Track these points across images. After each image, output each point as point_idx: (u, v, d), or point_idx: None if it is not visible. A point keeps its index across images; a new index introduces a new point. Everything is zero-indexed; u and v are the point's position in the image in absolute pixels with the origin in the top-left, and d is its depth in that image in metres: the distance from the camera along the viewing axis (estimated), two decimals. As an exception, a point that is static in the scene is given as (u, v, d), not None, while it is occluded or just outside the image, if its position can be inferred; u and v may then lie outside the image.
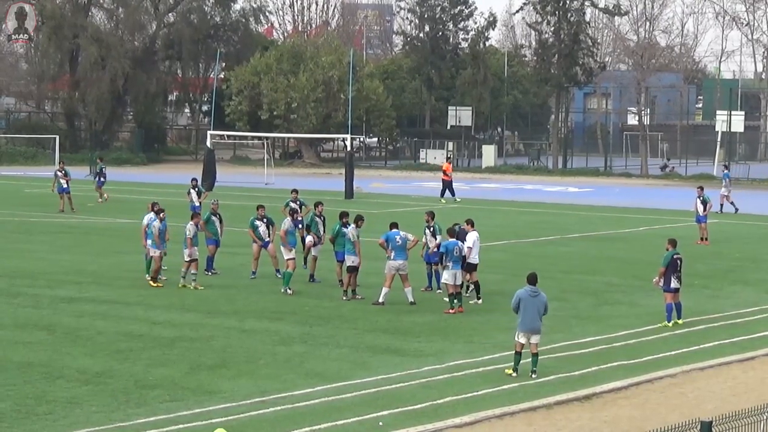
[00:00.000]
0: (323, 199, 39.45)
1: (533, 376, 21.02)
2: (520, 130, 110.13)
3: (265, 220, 32.36)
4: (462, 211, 53.89)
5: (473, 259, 28.30)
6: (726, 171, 57.81)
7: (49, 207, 51.06)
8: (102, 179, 55.03)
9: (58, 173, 50.90)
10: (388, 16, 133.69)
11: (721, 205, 53.79)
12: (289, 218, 30.53)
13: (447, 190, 59.37)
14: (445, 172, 60.02)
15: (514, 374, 20.99)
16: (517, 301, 21.21)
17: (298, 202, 37.46)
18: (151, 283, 29.82)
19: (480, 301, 28.29)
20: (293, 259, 29.80)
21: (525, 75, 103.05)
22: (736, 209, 53.55)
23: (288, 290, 29.22)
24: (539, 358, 21.33)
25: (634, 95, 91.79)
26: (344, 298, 28.66)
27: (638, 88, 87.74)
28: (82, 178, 71.52)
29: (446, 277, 27.29)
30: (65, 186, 50.40)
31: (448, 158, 64.36)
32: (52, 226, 43.77)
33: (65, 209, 49.59)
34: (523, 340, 21.12)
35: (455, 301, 27.24)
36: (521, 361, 21.11)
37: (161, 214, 30.50)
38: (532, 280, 21.49)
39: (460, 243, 27.64)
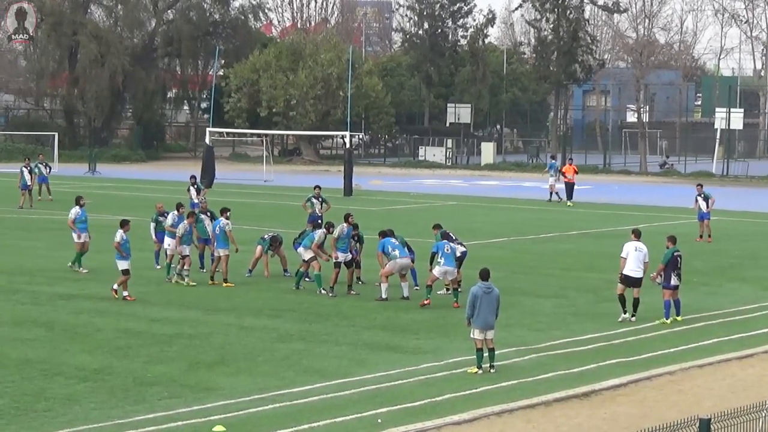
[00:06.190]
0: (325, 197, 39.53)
1: (492, 371, 21.03)
2: (519, 128, 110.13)
3: (320, 198, 36.88)
4: (465, 209, 53.93)
5: (631, 272, 26.06)
6: (553, 161, 61.12)
7: (47, 204, 51.10)
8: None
9: (24, 169, 51.09)
10: (387, 13, 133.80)
11: (556, 193, 57.54)
12: (344, 224, 29.49)
13: (568, 192, 57.08)
14: (564, 174, 57.65)
15: (479, 372, 20.95)
16: (474, 298, 21.14)
17: (320, 198, 37.88)
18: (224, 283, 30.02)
19: (633, 318, 26.09)
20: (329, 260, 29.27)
21: (524, 72, 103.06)
22: (559, 198, 57.12)
23: (322, 291, 28.90)
24: (496, 352, 21.36)
25: (633, 92, 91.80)
26: (331, 294, 28.66)
27: (637, 86, 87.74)
28: (81, 175, 71.64)
29: (435, 271, 27.37)
30: (29, 183, 50.77)
31: (570, 159, 63.08)
32: (51, 223, 43.75)
33: (24, 206, 49.92)
34: (479, 337, 21.08)
35: (454, 296, 27.46)
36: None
37: (81, 201, 32.39)
38: (485, 275, 21.45)
39: (450, 243, 27.66)
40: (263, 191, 62.89)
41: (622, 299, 26.21)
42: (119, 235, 28.08)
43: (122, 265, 27.93)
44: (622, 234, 43.68)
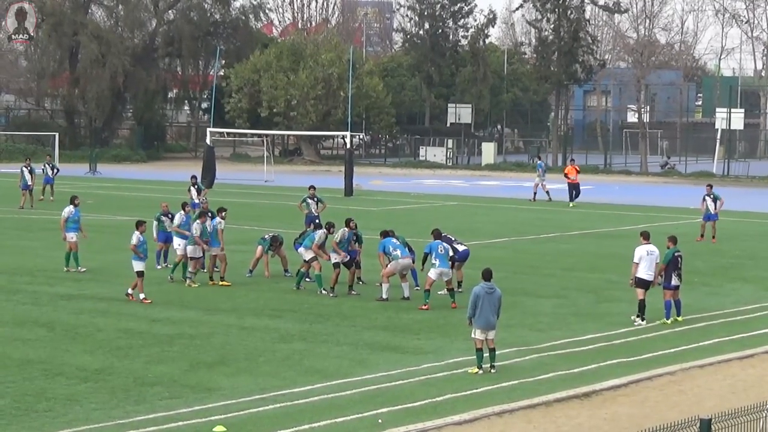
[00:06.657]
0: (323, 197, 39.55)
1: (492, 371, 21.02)
2: (519, 128, 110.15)
3: (315, 198, 37.23)
4: (466, 209, 53.94)
5: (646, 275, 25.92)
6: (540, 161, 62.08)
7: (48, 204, 51.09)
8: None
9: (24, 169, 51.17)
10: (388, 13, 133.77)
11: (534, 193, 58.04)
12: (345, 228, 29.51)
13: (571, 193, 56.62)
14: (567, 175, 57.43)
15: (480, 372, 20.95)
16: (476, 298, 21.14)
17: (315, 199, 37.99)
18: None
19: (636, 318, 26.06)
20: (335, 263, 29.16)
21: (525, 72, 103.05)
22: (533, 197, 57.80)
23: (323, 291, 28.88)
24: (497, 352, 21.35)
25: (633, 93, 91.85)
26: (331, 294, 28.67)
27: (638, 86, 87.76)
28: (82, 175, 71.65)
29: (431, 273, 27.34)
30: (29, 183, 50.80)
31: (571, 160, 62.94)
32: (52, 223, 43.69)
33: (25, 206, 49.99)
34: (480, 337, 21.09)
35: (451, 297, 27.44)
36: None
37: (75, 201, 32.69)
38: (488, 276, 21.45)
39: (443, 243, 27.59)
40: (264, 191, 62.90)
41: (643, 304, 25.88)
42: (135, 237, 27.78)
43: (138, 266, 27.62)
44: (623, 234, 43.79)
